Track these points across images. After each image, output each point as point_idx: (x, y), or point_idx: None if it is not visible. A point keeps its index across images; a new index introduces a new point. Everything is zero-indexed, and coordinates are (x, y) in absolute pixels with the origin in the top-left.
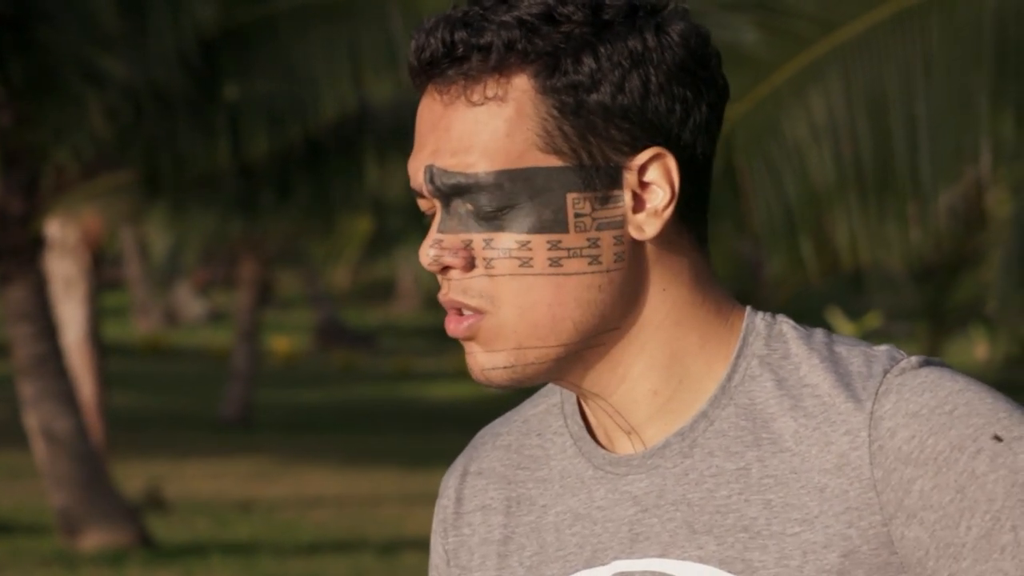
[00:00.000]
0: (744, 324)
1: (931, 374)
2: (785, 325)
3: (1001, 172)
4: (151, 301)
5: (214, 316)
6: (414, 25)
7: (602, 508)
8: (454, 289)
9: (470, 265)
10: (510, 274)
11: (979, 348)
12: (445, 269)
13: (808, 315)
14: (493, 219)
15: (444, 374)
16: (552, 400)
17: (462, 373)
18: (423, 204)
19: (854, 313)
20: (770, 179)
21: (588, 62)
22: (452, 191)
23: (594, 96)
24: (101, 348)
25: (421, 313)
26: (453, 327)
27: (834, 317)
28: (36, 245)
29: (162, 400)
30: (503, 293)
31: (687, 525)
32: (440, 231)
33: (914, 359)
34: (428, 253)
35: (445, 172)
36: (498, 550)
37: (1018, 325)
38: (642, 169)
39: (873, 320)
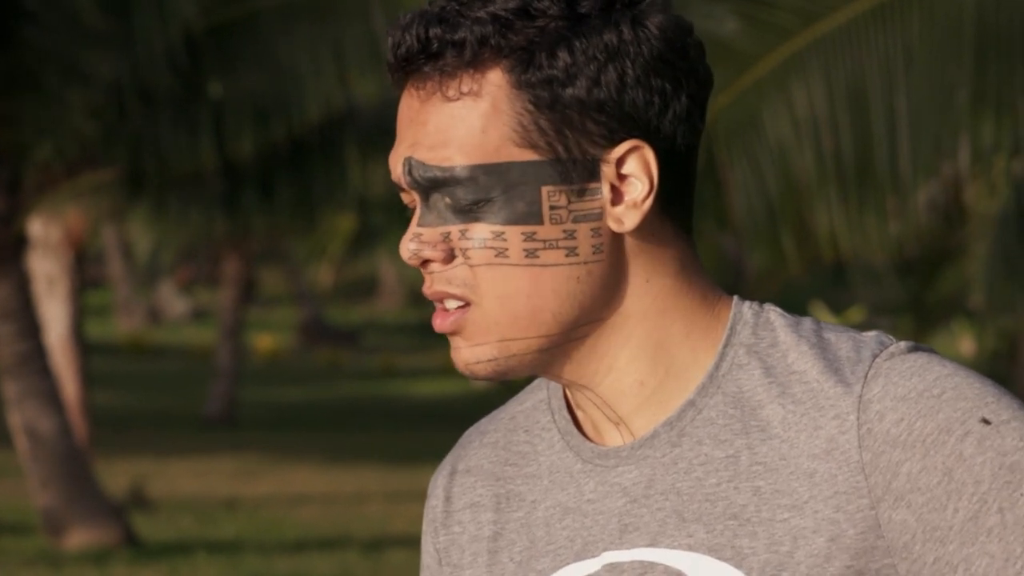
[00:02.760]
0: (731, 313)
1: (919, 359)
2: (773, 313)
3: (980, 167)
4: (134, 299)
5: (197, 314)
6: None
7: (592, 501)
8: (437, 281)
9: (450, 257)
10: (487, 264)
11: (963, 343)
12: (426, 263)
13: (791, 309)
14: (469, 211)
15: (428, 371)
16: (539, 396)
17: (446, 370)
18: (405, 198)
19: (837, 307)
20: (751, 172)
21: (563, 56)
22: (430, 184)
23: (569, 90)
24: (84, 347)
25: (404, 310)
26: (439, 323)
27: (817, 311)
28: (19, 244)
29: (146, 399)
30: (482, 283)
31: (676, 514)
32: (419, 225)
33: (903, 344)
34: (408, 247)
35: (423, 165)
36: (488, 547)
37: (1003, 319)
38: (620, 162)
39: (856, 314)
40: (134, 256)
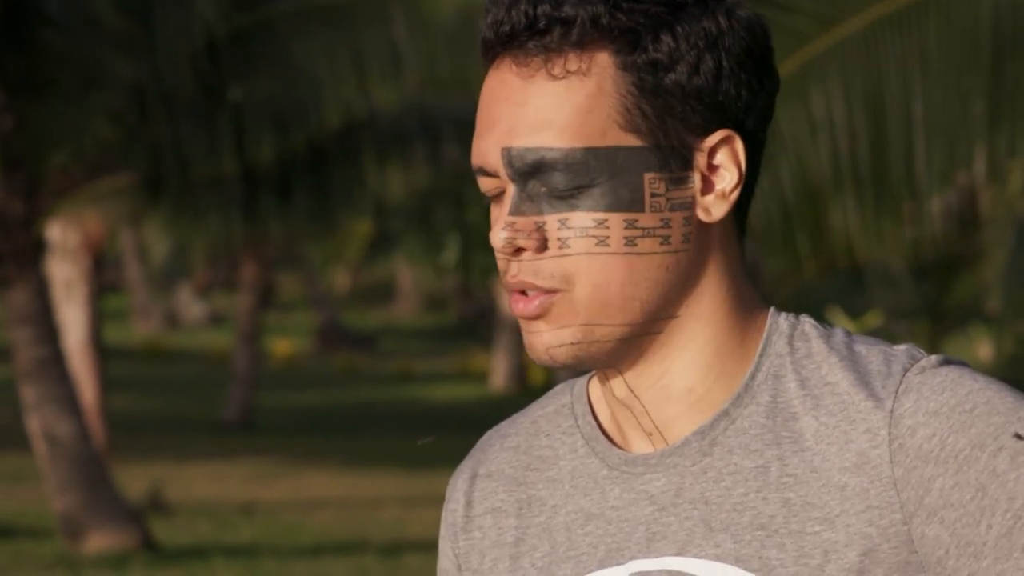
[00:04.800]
0: (768, 324)
1: (951, 373)
2: (807, 324)
3: (996, 173)
4: (152, 304)
5: (215, 319)
6: (417, 30)
7: (617, 508)
8: (524, 271)
9: (543, 247)
10: (587, 253)
11: (980, 347)
12: (517, 251)
13: (808, 313)
14: (568, 198)
15: (444, 375)
16: (561, 400)
17: (462, 374)
18: (486, 183)
19: (855, 312)
20: (768, 176)
21: (667, 40)
22: (532, 169)
23: (671, 76)
24: (102, 351)
25: (421, 315)
26: (523, 307)
27: (834, 316)
28: (37, 248)
29: (163, 403)
30: (578, 272)
31: (704, 523)
32: (512, 213)
33: (934, 358)
34: (500, 236)
35: (527, 150)
36: (510, 552)
37: (1020, 324)
38: (712, 152)
39: (873, 319)
40: (152, 261)
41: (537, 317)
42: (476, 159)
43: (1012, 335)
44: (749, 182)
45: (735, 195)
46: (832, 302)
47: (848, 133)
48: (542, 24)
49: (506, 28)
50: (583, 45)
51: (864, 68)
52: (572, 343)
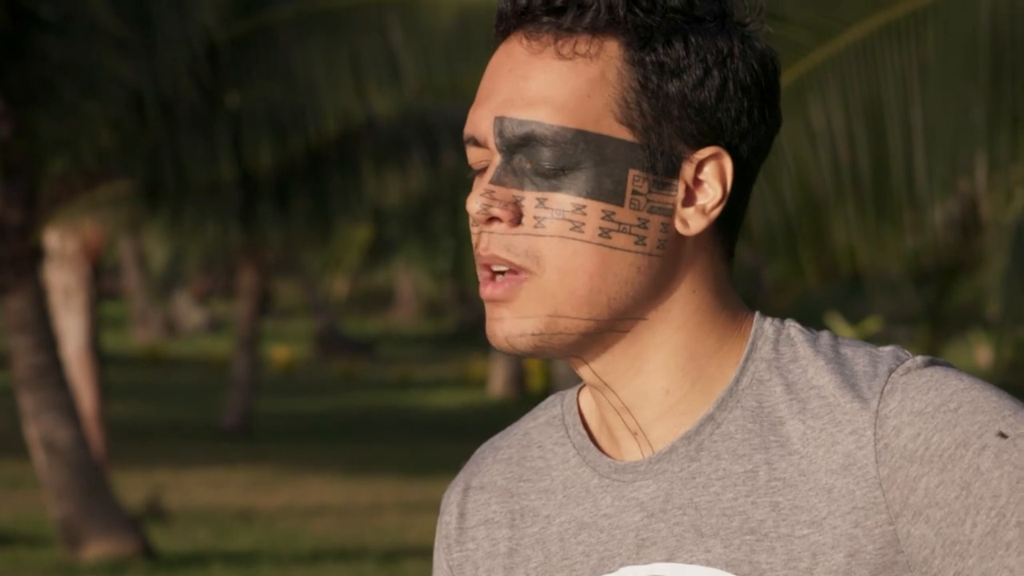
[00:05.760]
0: (753, 329)
1: (936, 373)
2: (792, 329)
3: (997, 178)
4: (150, 311)
5: (213, 325)
6: (414, 37)
7: (608, 516)
8: (496, 244)
9: (517, 220)
10: (560, 236)
11: (980, 353)
12: (490, 221)
13: (808, 320)
14: (551, 178)
15: (444, 382)
16: (552, 412)
17: (462, 381)
18: (475, 154)
19: (854, 318)
20: (769, 186)
21: (678, 47)
22: (520, 142)
23: (676, 83)
24: (101, 358)
25: (420, 321)
26: (490, 290)
27: (834, 322)
28: (35, 256)
29: (162, 410)
30: (549, 254)
31: (694, 529)
32: (493, 182)
33: (919, 359)
34: (478, 202)
35: (519, 122)
36: (504, 563)
37: (1020, 330)
38: (699, 166)
39: (873, 325)
40: (150, 268)
41: (503, 301)
42: (468, 128)
43: (1012, 340)
44: (735, 206)
45: (715, 213)
46: (832, 308)
47: (848, 143)
48: (559, 2)
49: (523, 2)
50: (595, 31)
51: (863, 78)
52: (534, 333)
